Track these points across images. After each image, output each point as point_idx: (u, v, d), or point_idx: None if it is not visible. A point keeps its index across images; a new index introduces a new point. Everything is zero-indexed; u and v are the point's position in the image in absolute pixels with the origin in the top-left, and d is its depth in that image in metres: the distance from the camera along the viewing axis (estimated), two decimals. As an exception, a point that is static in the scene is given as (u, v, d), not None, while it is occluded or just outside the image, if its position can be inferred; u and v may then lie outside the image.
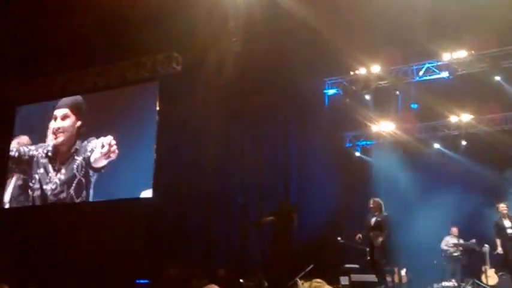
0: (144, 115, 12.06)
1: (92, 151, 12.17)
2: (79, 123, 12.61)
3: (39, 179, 12.76)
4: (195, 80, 11.21)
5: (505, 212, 9.28)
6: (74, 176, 12.27)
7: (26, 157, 13.12)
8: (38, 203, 12.66)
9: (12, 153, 13.31)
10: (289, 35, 10.71)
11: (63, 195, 12.30)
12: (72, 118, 12.72)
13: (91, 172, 12.11)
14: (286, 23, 10.25)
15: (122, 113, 12.34)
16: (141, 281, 10.16)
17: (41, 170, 12.79)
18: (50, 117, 12.92)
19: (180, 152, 11.37)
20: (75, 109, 12.78)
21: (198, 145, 11.28)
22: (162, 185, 11.18)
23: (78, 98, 12.88)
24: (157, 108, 11.75)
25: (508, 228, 9.17)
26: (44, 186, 12.61)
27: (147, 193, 11.20)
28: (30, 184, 12.87)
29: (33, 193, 12.76)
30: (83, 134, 12.46)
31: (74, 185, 12.17)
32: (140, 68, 11.97)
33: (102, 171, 11.98)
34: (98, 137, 12.17)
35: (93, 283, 10.07)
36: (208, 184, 11.18)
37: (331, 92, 12.76)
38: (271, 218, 10.34)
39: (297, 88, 11.61)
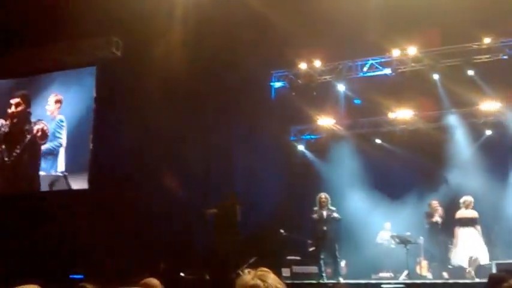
0: (81, 102, 11.53)
1: (36, 133, 12.07)
2: (28, 109, 12.56)
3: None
4: (136, 66, 10.76)
5: (437, 208, 9.81)
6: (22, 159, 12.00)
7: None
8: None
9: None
10: (237, 26, 10.55)
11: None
12: (23, 105, 12.63)
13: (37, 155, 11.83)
14: (234, 14, 10.08)
15: (67, 96, 12.05)
16: (76, 276, 9.68)
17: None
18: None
19: (119, 142, 10.91)
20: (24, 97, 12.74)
21: (139, 135, 10.87)
22: (98, 176, 10.70)
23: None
24: (94, 95, 11.23)
25: (437, 222, 9.69)
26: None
27: (83, 184, 10.70)
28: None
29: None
30: (28, 118, 12.44)
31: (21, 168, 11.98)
32: (77, 51, 11.37)
33: (45, 156, 11.74)
34: (38, 121, 12.02)
35: (24, 278, 9.44)
36: (149, 176, 10.82)
37: (277, 84, 12.74)
38: (214, 210, 10.20)
39: (243, 79, 11.47)
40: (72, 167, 11.47)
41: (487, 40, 10.82)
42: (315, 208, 9.47)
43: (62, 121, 11.82)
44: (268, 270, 1.85)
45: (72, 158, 11.57)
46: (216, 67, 11.02)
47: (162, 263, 9.47)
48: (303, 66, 12.17)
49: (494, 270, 8.27)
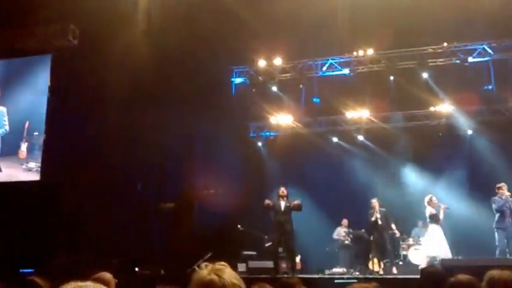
0: (35, 91, 11.12)
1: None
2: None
3: None
4: (94, 56, 10.47)
5: (375, 206, 10.17)
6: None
7: None
8: None
9: None
10: (199, 20, 10.44)
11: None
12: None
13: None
14: (197, 7, 9.99)
15: (12, 84, 11.49)
16: (26, 271, 9.35)
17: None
18: None
19: (74, 133, 10.60)
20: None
21: (94, 127, 10.59)
22: (51, 168, 10.36)
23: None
24: (49, 84, 10.85)
25: (377, 219, 10.06)
26: None
27: (35, 176, 10.34)
28: None
29: None
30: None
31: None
32: (32, 38, 10.93)
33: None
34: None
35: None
36: (105, 169, 10.57)
37: (238, 80, 12.74)
38: (171, 204, 10.11)
39: (204, 74, 11.38)
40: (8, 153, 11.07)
41: (442, 44, 11.24)
42: (273, 200, 9.62)
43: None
44: (225, 264, 1.83)
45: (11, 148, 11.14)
46: (177, 60, 10.88)
47: (116, 257, 9.30)
48: (262, 63, 12.23)
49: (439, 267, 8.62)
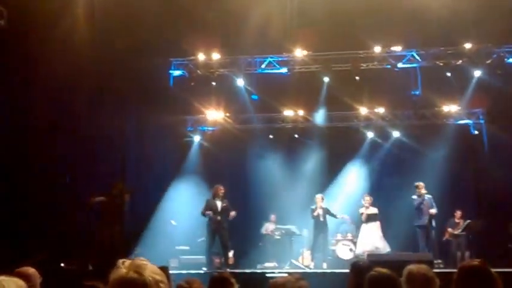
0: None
1: None
2: None
3: None
4: (24, 40, 9.86)
5: (319, 201, 10.46)
6: None
7: None
8: None
9: None
10: (139, 9, 10.16)
11: None
12: None
13: None
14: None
15: None
16: None
17: None
18: None
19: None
20: None
21: (20, 116, 9.99)
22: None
23: None
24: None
25: (319, 215, 10.36)
26: None
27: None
28: None
29: None
30: None
31: None
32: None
33: None
34: None
35: None
36: (32, 160, 10.02)
37: (177, 73, 12.54)
38: (101, 198, 9.79)
39: (142, 64, 11.06)
40: None
41: (375, 49, 11.76)
42: (209, 198, 9.62)
43: None
44: (145, 260, 1.71)
45: None
46: (114, 49, 10.51)
47: (41, 252, 8.86)
48: (201, 57, 12.15)
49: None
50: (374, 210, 10.49)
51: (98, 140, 10.59)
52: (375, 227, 10.40)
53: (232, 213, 9.65)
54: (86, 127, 10.57)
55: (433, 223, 10.01)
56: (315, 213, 10.39)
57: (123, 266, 1.68)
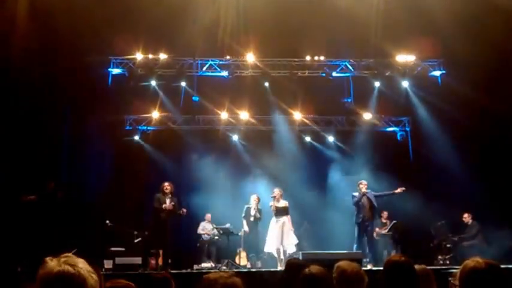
0: None
1: None
2: None
3: None
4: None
5: (254, 202, 10.64)
6: None
7: None
8: None
9: None
10: (75, 5, 9.92)
11: None
12: None
13: None
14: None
15: None
16: None
17: None
18: None
19: None
20: None
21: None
22: None
23: None
24: None
25: (255, 215, 10.55)
26: None
27: None
28: None
29: None
30: None
31: None
32: None
33: None
34: None
35: None
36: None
37: (116, 71, 12.33)
38: (33, 196, 9.47)
39: (79, 61, 10.78)
40: None
41: (306, 58, 12.31)
42: (157, 195, 9.54)
43: None
44: (72, 255, 1.71)
45: None
46: (51, 45, 10.20)
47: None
48: (140, 56, 12.06)
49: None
50: (284, 203, 10.10)
51: (32, 137, 10.22)
52: (285, 221, 9.98)
53: (184, 210, 9.67)
54: (18, 124, 10.17)
55: (373, 221, 10.23)
56: (252, 213, 10.54)
57: (53, 262, 1.65)
